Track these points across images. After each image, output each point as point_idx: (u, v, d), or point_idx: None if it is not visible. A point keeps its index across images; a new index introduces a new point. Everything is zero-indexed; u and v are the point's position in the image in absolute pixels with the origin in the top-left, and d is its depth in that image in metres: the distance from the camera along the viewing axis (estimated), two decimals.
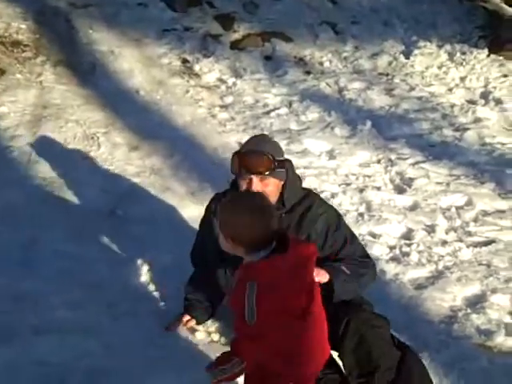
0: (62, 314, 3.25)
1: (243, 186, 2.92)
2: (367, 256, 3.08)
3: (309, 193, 3.10)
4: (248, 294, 2.24)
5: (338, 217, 3.07)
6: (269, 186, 2.89)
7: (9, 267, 3.60)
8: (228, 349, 2.49)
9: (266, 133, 5.43)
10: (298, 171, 4.69)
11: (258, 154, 2.88)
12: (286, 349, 2.34)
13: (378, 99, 6.30)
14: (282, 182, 2.97)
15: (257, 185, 2.87)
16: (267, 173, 2.87)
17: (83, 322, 3.20)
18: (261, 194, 2.54)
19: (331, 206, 3.14)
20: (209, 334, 3.23)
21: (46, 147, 4.89)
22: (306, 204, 3.00)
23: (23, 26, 6.56)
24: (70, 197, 4.33)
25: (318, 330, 2.41)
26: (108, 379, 2.86)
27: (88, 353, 3.00)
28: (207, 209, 3.24)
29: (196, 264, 3.33)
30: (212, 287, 3.19)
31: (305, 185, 4.52)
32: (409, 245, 4.08)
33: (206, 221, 3.23)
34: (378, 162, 5.19)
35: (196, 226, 3.93)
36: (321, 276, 2.70)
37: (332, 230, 2.97)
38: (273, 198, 2.93)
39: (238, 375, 2.45)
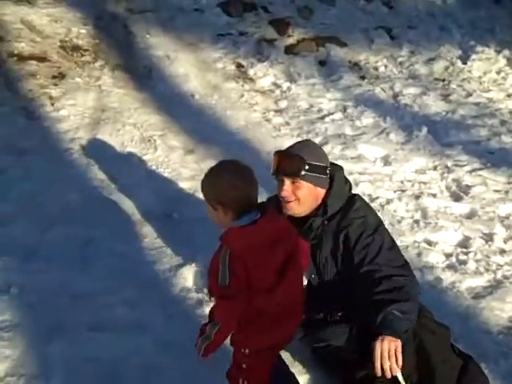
0: (116, 312, 3.31)
1: (278, 186, 2.91)
2: (405, 266, 2.84)
3: (353, 198, 2.99)
4: (222, 257, 2.37)
5: (378, 222, 2.93)
6: (301, 190, 2.84)
7: (65, 265, 3.68)
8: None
9: (320, 138, 5.44)
10: (352, 177, 4.79)
11: (290, 156, 2.85)
12: (250, 315, 2.43)
13: (434, 105, 6.21)
14: (322, 189, 2.90)
15: (288, 186, 2.85)
16: (302, 173, 2.82)
17: (137, 320, 3.25)
18: (240, 162, 2.56)
19: (372, 211, 3.01)
20: None
21: (103, 150, 4.98)
22: (346, 209, 2.92)
23: (83, 31, 6.69)
24: (126, 198, 4.38)
25: (285, 302, 2.46)
26: (161, 377, 2.91)
27: (142, 350, 3.05)
28: None
29: None
30: None
31: (359, 191, 4.60)
32: (466, 253, 4.01)
33: None
34: (435, 168, 5.11)
35: None
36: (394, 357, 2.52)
37: (367, 233, 2.83)
38: (307, 202, 2.88)
39: (222, 339, 2.48)
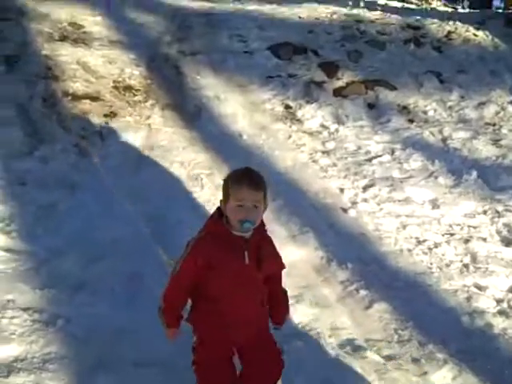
0: (162, 349, 3.28)
1: None
2: None
3: None
4: None
5: None
6: None
7: (112, 300, 3.75)
8: None
9: (367, 180, 5.43)
10: (399, 219, 4.80)
11: None
12: None
13: (485, 149, 6.14)
14: None
15: None
16: None
17: (184, 357, 3.22)
18: None
19: None
20: None
21: (151, 187, 5.04)
22: None
23: (136, 72, 6.87)
24: (173, 236, 4.38)
25: None
26: None
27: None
28: None
29: None
30: None
31: (406, 234, 4.60)
32: None
33: None
34: (484, 212, 5.04)
35: (297, 270, 3.97)
36: None
37: None
38: None
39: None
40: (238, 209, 2.67)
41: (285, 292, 3.02)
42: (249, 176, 2.76)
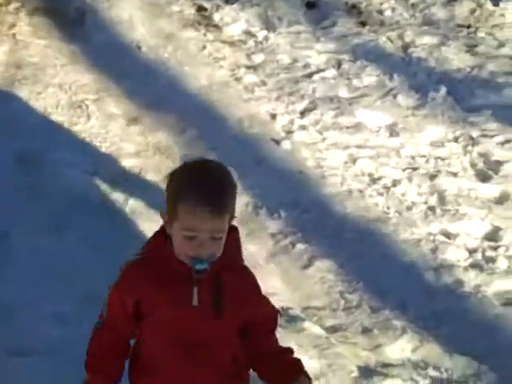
0: (45, 331, 3.33)
1: None
2: None
3: None
4: None
5: None
6: None
7: None
8: None
9: (306, 101, 5.48)
10: (348, 151, 4.91)
11: None
12: None
13: (457, 58, 6.24)
14: None
15: None
16: None
17: (72, 341, 3.16)
18: None
19: None
20: None
21: (20, 118, 5.00)
22: None
23: None
24: (52, 181, 4.40)
25: None
26: None
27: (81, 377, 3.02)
28: None
29: None
30: None
31: (357, 169, 4.70)
32: (495, 248, 4.06)
33: None
34: (455, 140, 5.15)
35: None
36: None
37: None
38: None
39: None
40: (186, 241, 2.11)
41: (286, 350, 2.40)
42: (208, 188, 2.10)
